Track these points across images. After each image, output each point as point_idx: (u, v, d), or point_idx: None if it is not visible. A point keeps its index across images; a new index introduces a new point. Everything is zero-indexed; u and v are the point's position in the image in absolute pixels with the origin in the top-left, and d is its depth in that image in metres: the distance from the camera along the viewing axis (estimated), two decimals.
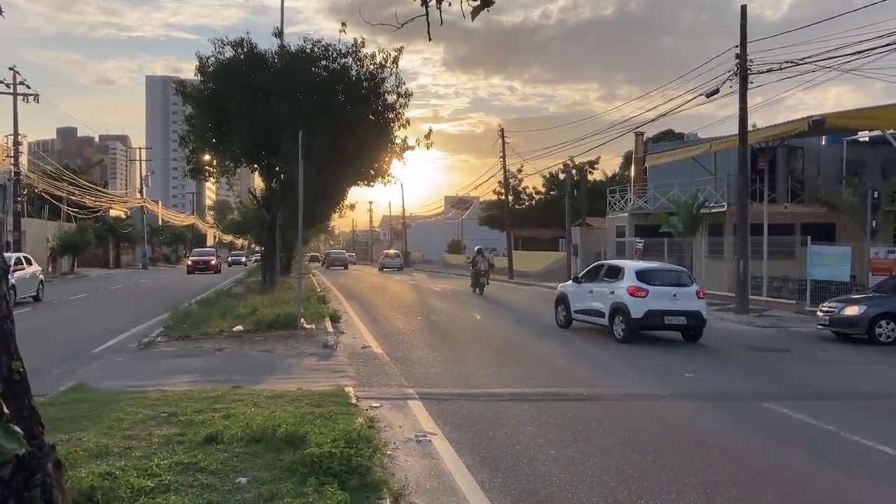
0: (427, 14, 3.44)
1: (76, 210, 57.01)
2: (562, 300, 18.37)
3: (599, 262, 19.46)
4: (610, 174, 61.36)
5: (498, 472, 6.50)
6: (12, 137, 44.13)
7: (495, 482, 6.23)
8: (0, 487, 2.28)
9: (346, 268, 66.25)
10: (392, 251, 71.11)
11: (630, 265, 17.00)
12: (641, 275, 15.96)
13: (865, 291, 18.42)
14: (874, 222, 22.61)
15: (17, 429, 2.30)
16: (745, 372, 12.58)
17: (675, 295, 15.61)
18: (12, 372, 2.45)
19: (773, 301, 23.75)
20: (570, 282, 18.95)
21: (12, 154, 43.89)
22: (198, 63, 24.07)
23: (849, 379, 12.39)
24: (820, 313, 17.17)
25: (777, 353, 14.85)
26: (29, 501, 2.35)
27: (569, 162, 45.32)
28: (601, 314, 16.42)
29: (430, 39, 3.53)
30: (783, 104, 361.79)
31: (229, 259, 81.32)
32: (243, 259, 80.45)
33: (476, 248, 33.57)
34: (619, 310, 15.74)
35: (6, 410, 2.29)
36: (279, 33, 25.09)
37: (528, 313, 23.00)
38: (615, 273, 16.60)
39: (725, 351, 15.09)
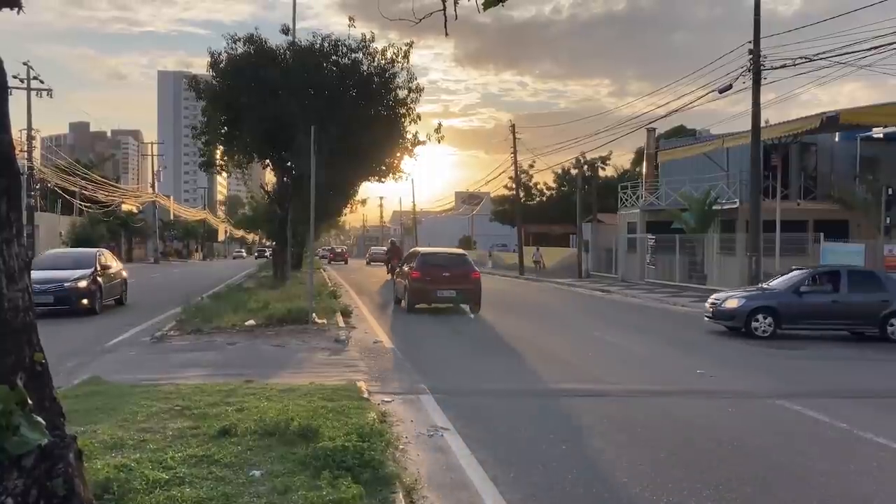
0: (444, 8, 3.44)
1: (89, 204, 57.36)
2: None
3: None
4: (621, 170, 61.05)
5: (510, 467, 6.51)
6: (26, 132, 44.48)
7: (507, 477, 6.24)
8: (24, 477, 2.31)
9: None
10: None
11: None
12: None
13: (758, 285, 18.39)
14: (888, 219, 22.43)
15: (40, 419, 2.34)
16: (758, 368, 12.53)
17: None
18: (35, 363, 2.48)
19: None
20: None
21: (26, 148, 44.21)
22: (209, 59, 24.17)
23: (861, 376, 12.34)
24: (707, 305, 17.28)
25: (789, 350, 14.78)
26: (51, 490, 2.38)
27: (581, 157, 45.13)
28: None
29: (446, 35, 3.53)
30: (796, 100, 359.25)
31: (255, 252, 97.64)
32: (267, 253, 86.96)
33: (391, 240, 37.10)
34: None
35: (29, 401, 2.33)
36: (289, 30, 25.14)
37: (540, 308, 22.97)
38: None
39: (737, 347, 15.03)
